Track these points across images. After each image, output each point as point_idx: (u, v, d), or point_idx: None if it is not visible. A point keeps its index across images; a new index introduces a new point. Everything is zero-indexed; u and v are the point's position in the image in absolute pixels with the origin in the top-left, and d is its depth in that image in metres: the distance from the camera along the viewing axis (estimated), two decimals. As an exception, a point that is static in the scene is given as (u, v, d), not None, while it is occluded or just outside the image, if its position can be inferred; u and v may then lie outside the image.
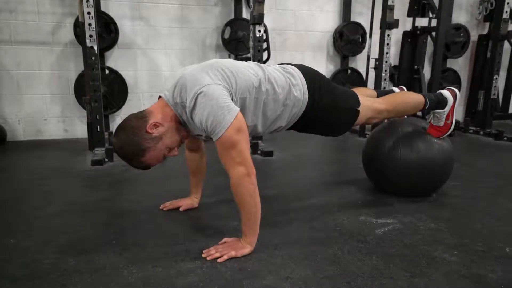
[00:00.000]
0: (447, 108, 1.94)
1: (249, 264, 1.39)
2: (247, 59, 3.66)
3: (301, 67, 1.70)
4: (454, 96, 1.95)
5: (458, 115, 4.90)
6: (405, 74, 4.42)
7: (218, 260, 1.39)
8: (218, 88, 1.38)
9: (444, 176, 2.07)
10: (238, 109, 1.39)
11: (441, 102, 1.93)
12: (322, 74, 1.75)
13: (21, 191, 2.24)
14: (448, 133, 1.99)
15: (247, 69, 1.52)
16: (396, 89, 2.20)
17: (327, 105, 1.68)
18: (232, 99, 1.42)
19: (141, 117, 1.46)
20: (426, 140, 2.00)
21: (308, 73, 1.68)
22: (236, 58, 4.02)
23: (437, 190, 2.14)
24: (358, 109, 1.74)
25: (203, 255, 1.43)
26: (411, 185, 2.04)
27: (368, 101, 1.80)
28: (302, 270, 1.35)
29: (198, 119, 1.38)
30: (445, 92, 1.95)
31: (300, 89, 1.61)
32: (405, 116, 2.15)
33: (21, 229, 1.69)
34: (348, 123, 1.79)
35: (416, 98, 1.91)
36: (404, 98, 1.95)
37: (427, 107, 1.92)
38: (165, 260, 1.41)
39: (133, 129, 1.42)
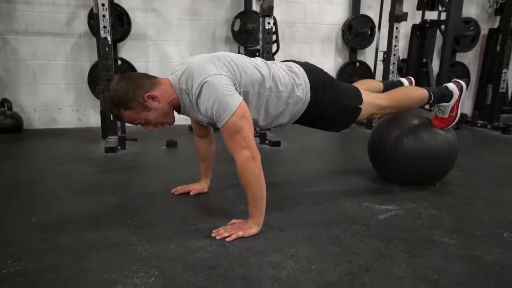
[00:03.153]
0: (452, 102, 1.95)
1: (256, 243, 1.46)
2: (256, 51, 3.72)
3: (305, 66, 1.74)
4: (460, 89, 1.95)
5: (467, 109, 4.90)
6: (413, 68, 4.43)
7: (227, 239, 1.47)
8: (223, 78, 1.45)
9: (447, 166, 2.11)
10: (242, 98, 1.46)
11: (446, 96, 1.94)
12: (326, 73, 1.79)
13: (39, 175, 2.34)
14: (453, 124, 2.02)
15: (253, 65, 1.59)
16: (404, 80, 2.19)
17: (329, 103, 1.73)
18: (236, 90, 1.48)
19: (150, 82, 1.53)
20: (431, 131, 2.04)
21: (312, 72, 1.72)
22: (246, 50, 4.08)
23: (440, 180, 2.18)
24: (360, 106, 1.77)
25: (212, 235, 1.51)
26: (415, 174, 2.08)
27: (370, 97, 1.82)
28: (306, 249, 1.42)
29: (204, 106, 1.45)
30: (451, 86, 1.95)
31: (303, 89, 1.67)
32: None
33: (41, 209, 1.78)
34: (350, 120, 1.83)
35: (419, 93, 1.90)
36: (407, 93, 1.94)
37: (431, 101, 1.93)
38: (177, 238, 1.49)
39: (137, 85, 1.49)
